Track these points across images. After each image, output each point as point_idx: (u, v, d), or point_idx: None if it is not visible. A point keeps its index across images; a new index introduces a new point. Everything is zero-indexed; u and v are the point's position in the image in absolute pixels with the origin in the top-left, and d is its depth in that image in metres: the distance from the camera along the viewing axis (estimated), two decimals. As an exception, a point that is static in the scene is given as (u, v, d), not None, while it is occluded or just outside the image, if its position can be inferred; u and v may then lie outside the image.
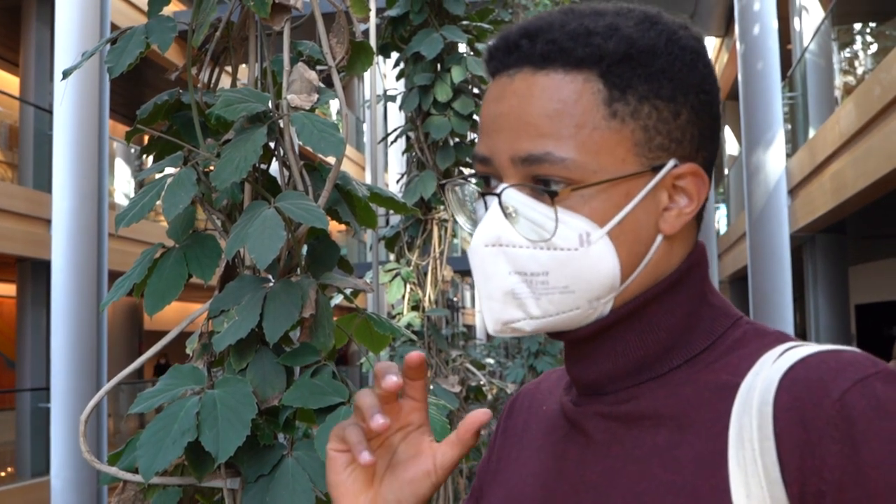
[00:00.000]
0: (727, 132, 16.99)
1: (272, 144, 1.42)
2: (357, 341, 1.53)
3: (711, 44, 16.89)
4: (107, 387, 1.39)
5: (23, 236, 9.70)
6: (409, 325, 3.65)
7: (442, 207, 3.70)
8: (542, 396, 0.84)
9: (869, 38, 12.37)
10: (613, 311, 0.70)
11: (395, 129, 3.93)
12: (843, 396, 0.59)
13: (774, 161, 8.86)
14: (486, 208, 0.70)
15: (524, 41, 0.69)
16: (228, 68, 1.55)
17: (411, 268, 3.75)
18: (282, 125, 1.38)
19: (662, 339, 0.70)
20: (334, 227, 1.37)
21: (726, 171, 16.79)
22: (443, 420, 1.32)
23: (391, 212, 1.68)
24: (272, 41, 1.48)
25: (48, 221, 8.56)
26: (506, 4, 7.39)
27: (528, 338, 7.05)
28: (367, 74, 5.86)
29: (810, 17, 10.81)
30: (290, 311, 1.28)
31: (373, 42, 4.01)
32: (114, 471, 1.33)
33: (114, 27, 8.06)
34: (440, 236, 3.76)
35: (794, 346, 0.66)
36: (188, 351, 1.44)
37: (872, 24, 12.03)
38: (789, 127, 11.01)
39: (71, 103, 7.36)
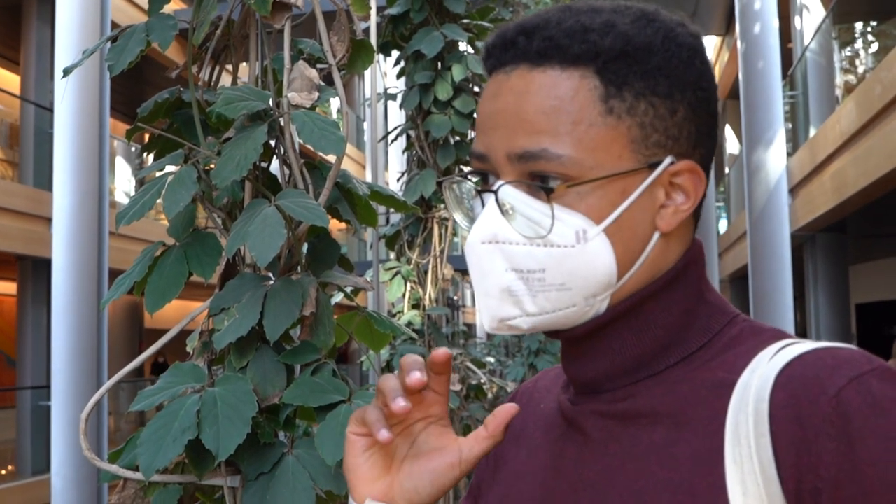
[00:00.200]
0: (728, 131, 16.98)
1: (273, 142, 1.42)
2: (357, 339, 1.53)
3: (712, 42, 16.86)
4: (107, 385, 1.39)
5: (23, 234, 9.69)
6: (409, 324, 3.65)
7: (442, 206, 3.70)
8: (539, 395, 0.84)
9: (870, 37, 12.37)
10: (610, 308, 0.70)
11: (395, 128, 3.93)
12: (839, 393, 0.59)
13: (775, 160, 8.85)
14: (483, 205, 0.70)
15: (521, 38, 0.69)
16: (229, 66, 1.56)
17: (412, 266, 3.76)
18: (282, 123, 1.38)
19: (659, 337, 0.70)
20: (335, 226, 1.37)
21: (727, 170, 16.78)
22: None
23: (392, 210, 1.68)
24: (273, 39, 1.49)
25: (49, 220, 8.55)
26: (506, 2, 7.39)
27: (529, 336, 7.03)
28: (367, 73, 5.86)
29: (811, 15, 10.80)
30: (291, 309, 1.28)
31: (373, 40, 4.01)
32: (114, 469, 1.33)
33: (114, 25, 8.04)
34: (440, 235, 3.76)
35: (790, 344, 0.66)
36: (189, 349, 1.44)
37: (873, 23, 12.02)
38: (790, 126, 10.99)
39: (71, 101, 7.35)
